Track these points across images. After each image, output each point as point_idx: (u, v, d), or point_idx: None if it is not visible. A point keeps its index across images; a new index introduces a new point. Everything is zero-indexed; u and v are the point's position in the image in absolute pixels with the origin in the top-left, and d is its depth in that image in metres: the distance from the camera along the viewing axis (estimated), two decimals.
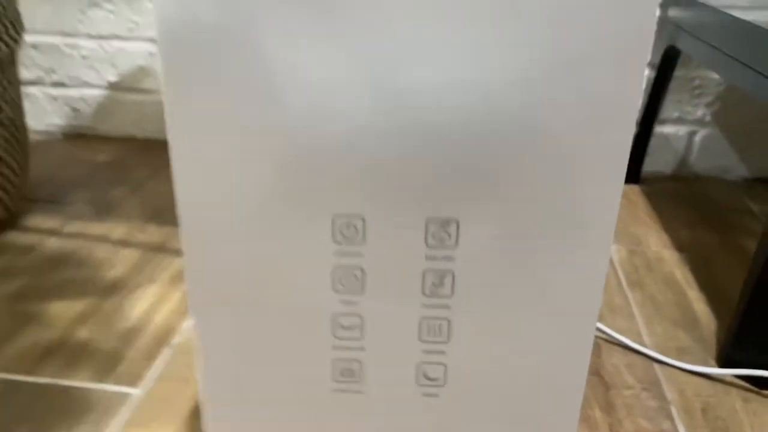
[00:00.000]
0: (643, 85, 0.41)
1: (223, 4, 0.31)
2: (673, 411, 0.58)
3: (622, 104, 0.33)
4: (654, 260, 0.83)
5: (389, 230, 0.36)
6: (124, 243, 0.83)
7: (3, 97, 0.78)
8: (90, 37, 1.12)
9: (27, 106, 1.18)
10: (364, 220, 0.36)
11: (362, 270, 0.37)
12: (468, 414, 0.41)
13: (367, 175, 0.35)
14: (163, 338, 0.66)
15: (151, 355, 0.63)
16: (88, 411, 0.56)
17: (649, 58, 0.32)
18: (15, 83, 0.82)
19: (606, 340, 0.67)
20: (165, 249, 0.82)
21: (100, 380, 0.60)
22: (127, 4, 1.09)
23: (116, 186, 1.00)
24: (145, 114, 1.17)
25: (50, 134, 1.20)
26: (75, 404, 0.57)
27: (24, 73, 1.16)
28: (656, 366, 0.64)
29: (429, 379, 0.40)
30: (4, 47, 0.76)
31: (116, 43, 1.12)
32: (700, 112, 1.07)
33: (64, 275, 0.76)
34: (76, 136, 1.19)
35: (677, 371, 0.63)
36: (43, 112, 1.19)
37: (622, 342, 0.66)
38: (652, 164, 1.11)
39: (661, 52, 0.99)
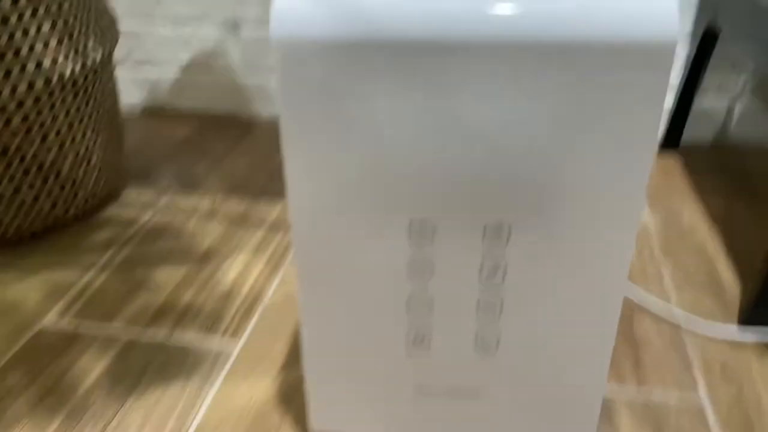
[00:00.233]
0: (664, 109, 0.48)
1: (334, 64, 0.40)
2: (695, 368, 0.67)
3: (642, 133, 0.41)
4: (687, 230, 0.91)
5: (454, 233, 0.46)
6: (210, 215, 0.95)
7: (106, 87, 0.90)
8: (166, 19, 1.22)
9: None
10: (435, 225, 0.45)
11: (432, 262, 0.47)
12: (515, 370, 0.52)
13: (439, 191, 0.44)
14: (254, 300, 0.78)
15: (246, 315, 0.75)
16: (198, 364, 0.68)
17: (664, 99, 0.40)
18: (112, 71, 0.93)
19: (638, 305, 0.76)
20: (247, 221, 0.94)
21: (206, 337, 0.72)
22: None
23: (197, 161, 1.11)
24: (217, 92, 1.28)
25: (130, 112, 1.32)
26: (186, 358, 0.69)
27: None
28: (682, 329, 0.72)
29: (484, 344, 0.50)
30: (107, 49, 0.87)
31: (191, 26, 1.22)
32: (740, 83, 1.11)
33: (164, 245, 0.88)
34: (154, 114, 1.31)
35: (701, 334, 0.72)
36: (123, 91, 1.30)
37: (652, 307, 0.75)
38: (691, 134, 1.16)
39: (702, 26, 1.03)
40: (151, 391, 0.65)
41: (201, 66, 1.26)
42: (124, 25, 1.24)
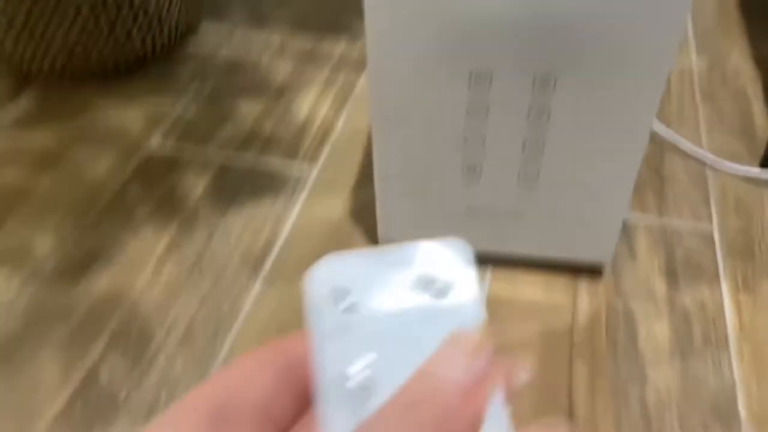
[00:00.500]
0: None
1: None
2: (712, 202, 0.77)
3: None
4: (731, 74, 0.95)
5: (508, 81, 0.54)
6: (281, 50, 1.03)
7: None
8: None
9: None
10: (491, 74, 0.54)
11: (488, 106, 0.56)
12: (552, 198, 0.62)
13: (496, 43, 0.52)
14: (327, 130, 0.88)
15: (320, 144, 0.86)
16: (283, 185, 0.81)
17: None
18: None
19: (670, 145, 0.84)
20: (315, 56, 1.02)
21: (287, 163, 0.84)
22: None
23: None
24: None
25: None
26: (272, 180, 0.82)
27: None
28: (707, 168, 0.81)
29: (527, 176, 0.61)
30: None
31: None
32: None
33: (242, 79, 0.98)
34: None
35: (724, 173, 0.80)
36: None
37: (683, 146, 0.83)
38: None
39: None
40: (246, 205, 0.78)
41: None
42: None
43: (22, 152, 0.86)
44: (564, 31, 0.50)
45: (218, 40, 1.06)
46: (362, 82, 0.96)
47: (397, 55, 0.54)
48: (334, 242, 0.73)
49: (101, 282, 0.70)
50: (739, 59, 0.98)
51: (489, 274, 0.68)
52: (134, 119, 0.91)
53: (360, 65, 0.99)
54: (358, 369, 0.18)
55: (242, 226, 0.76)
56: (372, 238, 0.72)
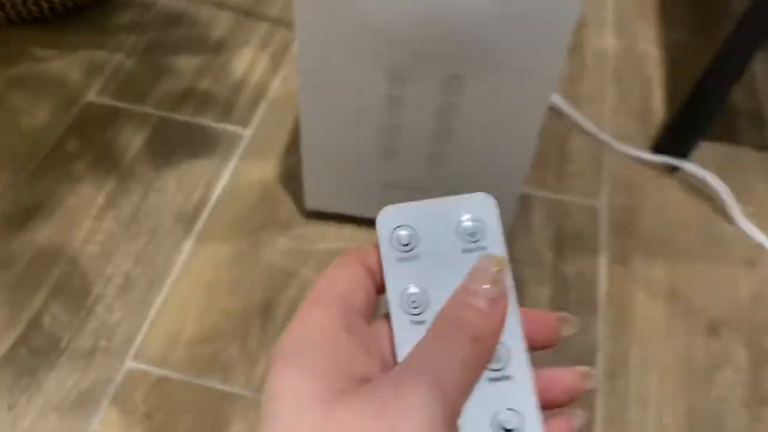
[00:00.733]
0: None
1: None
2: (604, 180, 0.86)
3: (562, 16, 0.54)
4: (640, 58, 1.04)
5: (419, 81, 0.60)
6: (220, 5, 1.05)
7: None
8: None
9: None
10: (405, 74, 0.60)
11: (402, 100, 0.63)
12: (459, 176, 0.70)
13: (407, 49, 0.58)
14: (261, 91, 0.93)
15: (254, 104, 0.91)
16: (217, 144, 0.86)
17: None
18: None
19: (575, 125, 0.92)
20: (254, 13, 1.04)
21: (222, 121, 0.89)
22: None
23: None
24: None
25: None
26: (208, 139, 0.87)
27: None
28: (605, 147, 0.90)
29: (437, 159, 0.68)
30: None
31: None
32: None
33: (181, 33, 1.00)
34: None
35: (619, 154, 0.90)
36: None
37: (587, 127, 0.92)
38: None
39: None
40: (181, 163, 0.83)
41: None
42: None
43: None
44: (465, 41, 0.57)
45: None
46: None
47: (323, 48, 0.60)
48: (263, 205, 0.80)
49: (42, 234, 0.75)
50: (650, 44, 1.06)
51: None
52: (72, 69, 0.93)
53: None
54: (414, 291, 0.25)
55: (177, 183, 0.81)
56: (299, 203, 0.79)
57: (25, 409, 0.62)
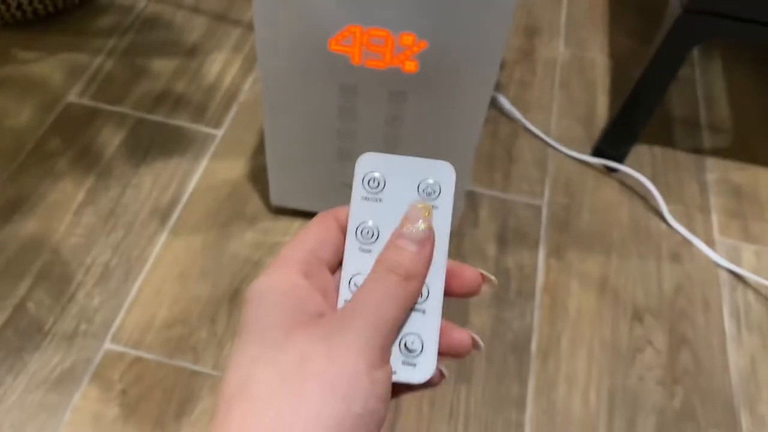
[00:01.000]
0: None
1: None
2: (547, 181, 0.94)
3: (493, 40, 0.62)
4: (587, 65, 1.12)
5: (369, 95, 0.68)
6: (195, 10, 1.11)
7: None
8: None
9: None
10: (356, 89, 0.67)
11: (355, 111, 0.70)
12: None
13: (356, 68, 0.65)
14: (233, 94, 1.00)
15: (226, 106, 0.98)
16: (190, 144, 0.93)
17: None
18: None
19: (523, 128, 1.00)
20: (227, 18, 1.10)
21: (196, 122, 0.95)
22: None
23: None
24: None
25: None
26: (182, 138, 0.93)
27: None
28: (550, 150, 0.98)
29: (391, 144, 0.75)
30: None
31: None
32: None
33: (158, 36, 1.06)
34: None
35: (563, 155, 0.98)
36: None
37: (533, 131, 1.00)
38: None
39: None
40: (157, 162, 0.90)
41: None
42: None
43: None
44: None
45: None
46: None
47: (281, 62, 0.67)
48: (232, 201, 0.87)
49: (26, 227, 0.81)
50: (597, 52, 1.14)
51: None
52: (54, 71, 0.99)
53: None
54: (369, 225, 0.29)
55: (152, 180, 0.88)
56: (266, 200, 0.86)
57: (12, 386, 0.69)
